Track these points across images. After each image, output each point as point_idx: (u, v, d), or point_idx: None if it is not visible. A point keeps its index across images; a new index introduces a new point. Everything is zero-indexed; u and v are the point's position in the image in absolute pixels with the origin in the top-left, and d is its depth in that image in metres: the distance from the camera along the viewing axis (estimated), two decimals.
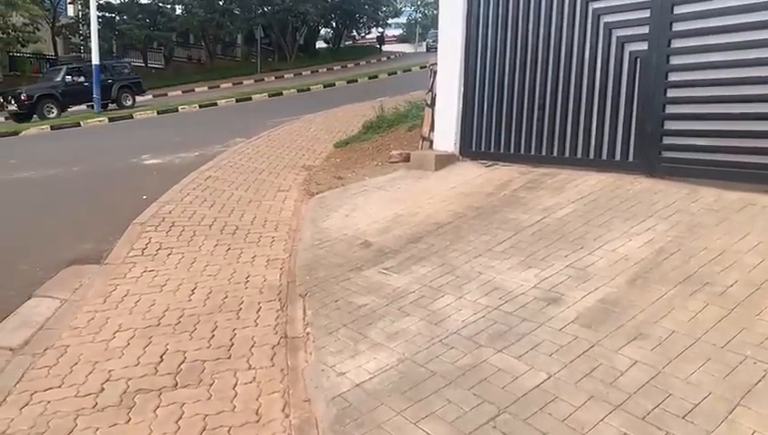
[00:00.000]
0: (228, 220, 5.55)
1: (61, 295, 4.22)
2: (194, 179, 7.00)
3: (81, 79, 19.76)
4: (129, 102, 21.10)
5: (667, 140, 4.63)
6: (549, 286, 3.36)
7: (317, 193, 6.38)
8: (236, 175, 7.36)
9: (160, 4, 30.98)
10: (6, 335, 3.73)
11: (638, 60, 4.77)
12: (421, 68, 29.02)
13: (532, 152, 5.60)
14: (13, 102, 18.90)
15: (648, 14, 4.65)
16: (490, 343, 2.91)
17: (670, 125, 4.62)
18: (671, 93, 4.59)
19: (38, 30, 24.46)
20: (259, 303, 3.80)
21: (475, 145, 6.13)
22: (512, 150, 5.79)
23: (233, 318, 3.61)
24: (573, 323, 2.95)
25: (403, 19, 48.19)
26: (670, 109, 4.60)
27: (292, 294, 3.91)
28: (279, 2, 33.27)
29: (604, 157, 5.05)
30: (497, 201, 4.84)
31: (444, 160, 6.19)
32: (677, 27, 4.51)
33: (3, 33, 22.65)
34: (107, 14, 30.24)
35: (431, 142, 6.65)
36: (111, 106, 20.52)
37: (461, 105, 6.23)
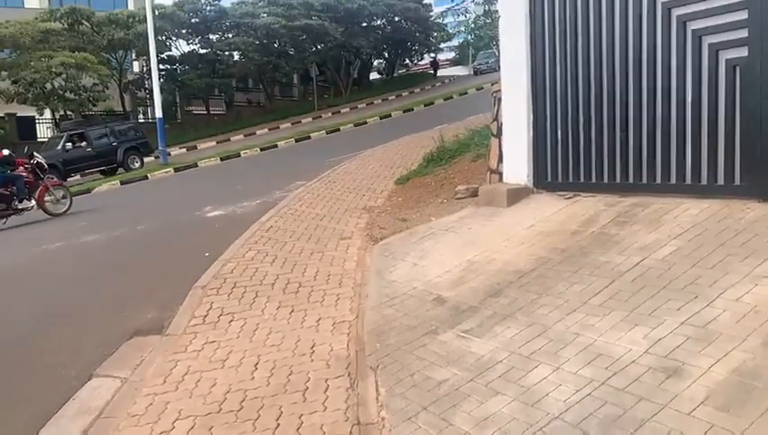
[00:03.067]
0: (291, 277, 5.24)
1: (121, 374, 4.00)
2: (255, 232, 6.79)
3: (84, 144, 19.23)
4: (137, 165, 20.36)
5: None
6: (664, 352, 2.80)
7: (381, 239, 6.01)
8: (297, 223, 7.11)
9: (218, 53, 32.00)
10: (66, 424, 3.52)
11: (737, 68, 4.16)
12: (477, 90, 28.64)
13: (618, 180, 5.02)
14: None
15: (745, 16, 4.05)
16: (603, 432, 2.39)
17: None
18: None
19: (107, 88, 25.70)
20: (326, 380, 3.41)
21: (550, 175, 5.60)
22: (593, 179, 5.23)
23: (299, 401, 3.22)
24: (705, 405, 2.38)
25: (455, 42, 48.01)
26: None
27: (362, 366, 3.50)
28: (332, 38, 33.77)
29: (704, 181, 4.43)
30: (585, 241, 4.29)
31: (516, 194, 5.70)
32: None
33: (75, 95, 23.92)
34: (169, 67, 31.52)
35: (500, 175, 6.17)
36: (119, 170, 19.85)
37: (532, 132, 5.73)
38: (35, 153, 11.65)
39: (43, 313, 5.39)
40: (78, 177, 19.75)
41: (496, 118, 6.43)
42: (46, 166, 11.62)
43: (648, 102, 4.75)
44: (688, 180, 4.52)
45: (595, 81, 5.17)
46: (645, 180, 4.81)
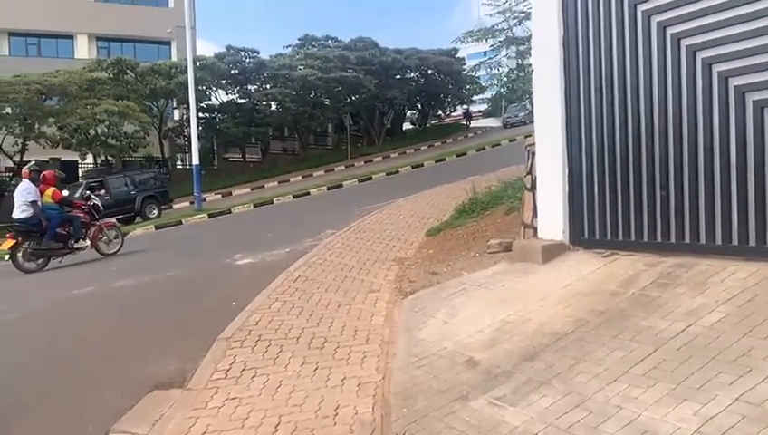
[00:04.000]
0: (317, 331, 5.10)
1: (139, 431, 3.86)
2: (283, 282, 6.71)
3: (102, 192, 19.17)
4: (155, 213, 20.55)
5: None
6: (718, 432, 2.56)
7: (411, 293, 5.85)
8: (326, 274, 7.01)
9: (256, 102, 32.89)
10: None
11: None
12: (510, 141, 28.64)
13: (658, 238, 4.80)
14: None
15: None
16: None
17: None
18: None
19: (147, 135, 26.53)
20: None
21: (587, 232, 5.41)
22: (632, 237, 5.02)
23: None
24: None
25: (488, 94, 48.43)
26: None
27: (388, 432, 3.31)
28: (366, 90, 34.47)
29: (752, 243, 4.19)
30: (625, 303, 4.08)
31: (552, 251, 5.51)
32: None
33: (116, 141, 24.73)
34: (208, 115, 32.46)
35: (535, 230, 6.00)
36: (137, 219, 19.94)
37: (567, 187, 5.58)
38: (92, 195, 12.23)
39: (66, 361, 5.34)
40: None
41: (530, 171, 6.31)
42: (102, 208, 12.03)
43: (690, 159, 4.58)
44: (735, 241, 4.29)
45: (633, 136, 5.02)
46: (688, 240, 4.59)
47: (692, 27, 4.53)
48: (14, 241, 10.52)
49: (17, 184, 21.73)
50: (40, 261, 10.77)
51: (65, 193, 11.35)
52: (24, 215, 10.52)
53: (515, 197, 8.26)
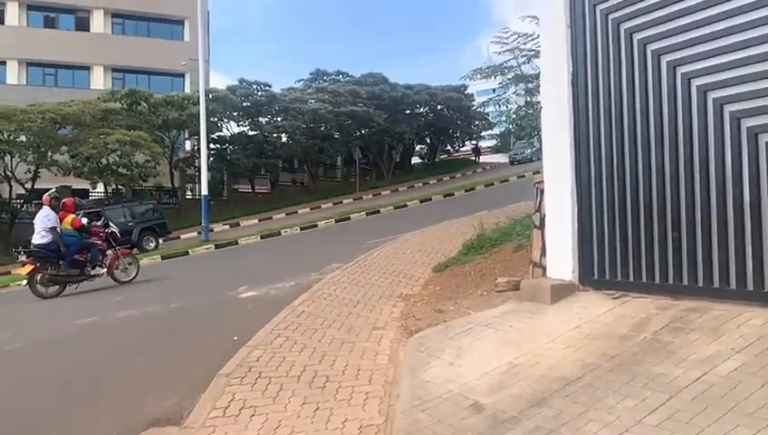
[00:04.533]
0: (318, 369, 4.97)
1: None
2: (285, 317, 6.60)
3: (99, 223, 19.06)
4: (152, 245, 20.46)
5: None
6: None
7: (416, 331, 5.72)
8: (330, 309, 6.90)
9: (267, 135, 33.20)
10: None
11: None
12: (518, 177, 28.64)
13: (670, 280, 4.68)
14: (23, 253, 17.53)
15: None
16: None
17: None
18: None
19: (158, 165, 26.75)
20: None
21: (597, 272, 5.30)
22: (643, 278, 4.90)
23: None
24: None
25: (497, 130, 48.71)
26: None
27: None
28: (376, 124, 34.75)
29: None
30: (637, 348, 3.94)
31: (561, 291, 5.39)
32: None
33: (127, 170, 24.93)
34: (219, 147, 32.77)
35: (543, 269, 5.90)
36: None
37: (576, 226, 5.49)
38: (110, 223, 12.34)
39: (61, 395, 5.22)
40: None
41: (539, 209, 6.24)
42: (119, 235, 12.26)
43: (702, 201, 4.48)
44: (750, 286, 4.17)
45: (644, 177, 4.94)
46: (701, 283, 4.47)
47: (703, 67, 4.49)
48: (33, 267, 10.68)
49: (29, 211, 22.00)
50: (57, 287, 10.87)
51: (84, 220, 11.51)
52: (43, 241, 10.69)
53: (524, 234, 8.18)
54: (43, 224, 10.73)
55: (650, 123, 4.89)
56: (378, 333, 5.86)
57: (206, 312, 8.05)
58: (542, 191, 6.04)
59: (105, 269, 11.30)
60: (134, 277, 11.76)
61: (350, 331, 6.01)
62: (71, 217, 11.01)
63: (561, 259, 5.61)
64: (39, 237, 10.72)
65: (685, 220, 4.60)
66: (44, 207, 11.09)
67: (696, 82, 4.55)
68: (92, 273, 11.09)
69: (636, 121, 5.00)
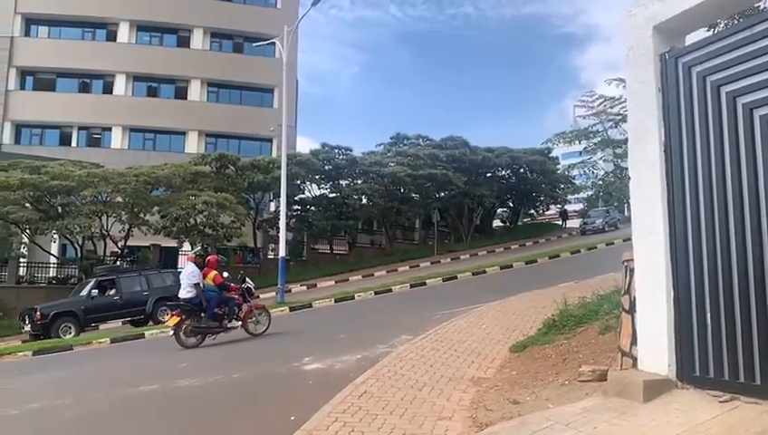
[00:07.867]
0: None
1: None
2: (346, 397, 6.17)
3: (112, 292, 18.63)
4: (167, 318, 18.94)
5: None
6: None
7: (486, 424, 5.09)
8: (394, 391, 6.38)
9: (346, 197, 33.69)
10: None
11: None
12: (607, 244, 27.16)
13: None
14: (27, 323, 17.80)
15: None
16: None
17: None
18: None
19: (243, 226, 27.59)
20: None
21: (699, 368, 4.53)
22: (757, 380, 4.09)
23: None
24: None
25: (584, 194, 47.13)
26: None
27: None
28: (455, 187, 34.51)
29: None
30: None
31: (655, 387, 4.63)
32: None
33: (213, 231, 25.82)
34: (300, 208, 33.56)
35: (634, 359, 5.15)
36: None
37: (673, 311, 4.77)
38: (247, 278, 13.00)
39: None
40: (101, 327, 18.70)
41: (628, 291, 5.54)
42: (254, 291, 12.97)
43: None
44: None
45: (754, 254, 4.21)
46: None
47: None
48: (179, 318, 11.58)
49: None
50: (197, 337, 11.62)
51: (225, 276, 12.32)
52: (188, 295, 11.69)
53: (612, 313, 7.39)
54: (189, 280, 11.73)
55: (761, 197, 4.20)
56: (443, 425, 5.28)
57: (267, 384, 7.78)
58: (632, 271, 5.36)
59: (240, 322, 12.06)
60: (266, 330, 12.32)
61: (413, 419, 5.45)
62: (213, 273, 11.86)
63: (654, 350, 4.87)
64: (185, 292, 11.69)
65: None
66: (189, 263, 12.18)
67: None
68: (229, 325, 11.92)
69: (743, 196, 4.31)
